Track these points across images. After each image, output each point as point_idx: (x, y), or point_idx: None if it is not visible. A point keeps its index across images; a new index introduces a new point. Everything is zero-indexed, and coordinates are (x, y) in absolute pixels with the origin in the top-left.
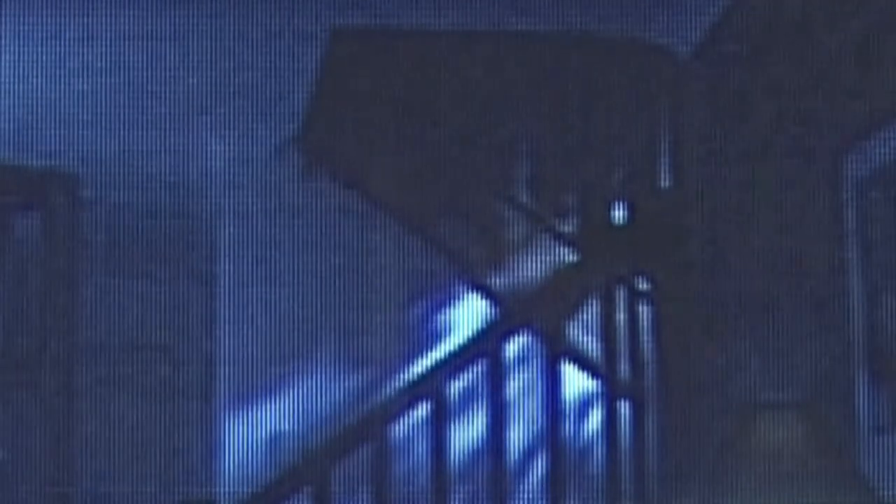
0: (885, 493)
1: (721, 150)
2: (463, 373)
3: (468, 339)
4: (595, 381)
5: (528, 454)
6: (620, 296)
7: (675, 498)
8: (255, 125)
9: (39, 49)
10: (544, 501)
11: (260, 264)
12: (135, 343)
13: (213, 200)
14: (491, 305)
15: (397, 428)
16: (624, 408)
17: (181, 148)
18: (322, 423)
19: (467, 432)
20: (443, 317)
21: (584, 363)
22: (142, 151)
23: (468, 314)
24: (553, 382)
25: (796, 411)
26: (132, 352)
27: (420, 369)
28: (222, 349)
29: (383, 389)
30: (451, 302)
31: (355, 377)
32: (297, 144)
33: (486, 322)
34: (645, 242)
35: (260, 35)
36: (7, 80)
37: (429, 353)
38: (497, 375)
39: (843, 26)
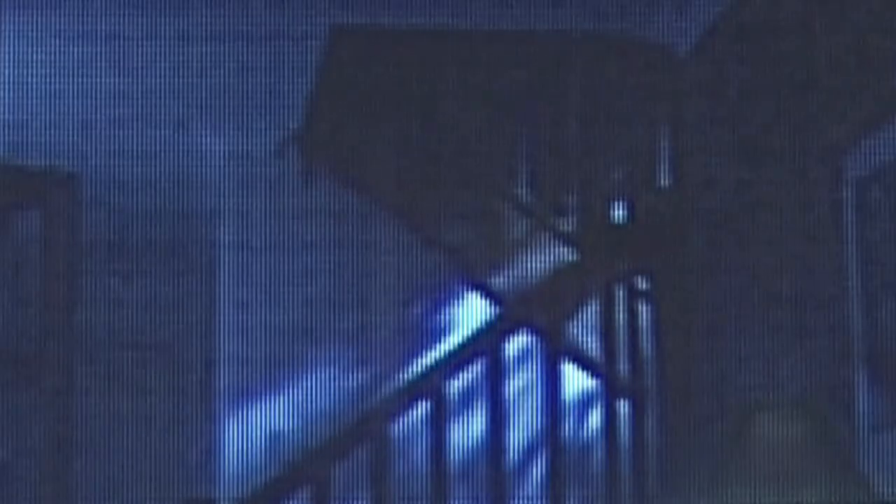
0: (884, 491)
1: (721, 149)
2: (463, 372)
3: (468, 338)
4: (595, 381)
5: (528, 453)
6: (620, 295)
7: (676, 498)
8: (255, 124)
9: (39, 48)
10: (544, 501)
11: (260, 264)
12: (135, 343)
13: (213, 200)
14: (491, 304)
15: (397, 427)
16: (624, 408)
17: (181, 147)
18: (322, 423)
19: (467, 431)
20: (442, 316)
21: (584, 362)
22: (142, 151)
23: (468, 313)
24: (553, 382)
25: (796, 411)
26: (132, 352)
27: (420, 368)
28: (222, 349)
29: (383, 388)
30: (451, 301)
31: (355, 376)
32: (297, 144)
33: (486, 321)
34: (645, 242)
35: (260, 35)
36: (7, 79)
37: (428, 352)
38: (497, 374)
39: (843, 26)
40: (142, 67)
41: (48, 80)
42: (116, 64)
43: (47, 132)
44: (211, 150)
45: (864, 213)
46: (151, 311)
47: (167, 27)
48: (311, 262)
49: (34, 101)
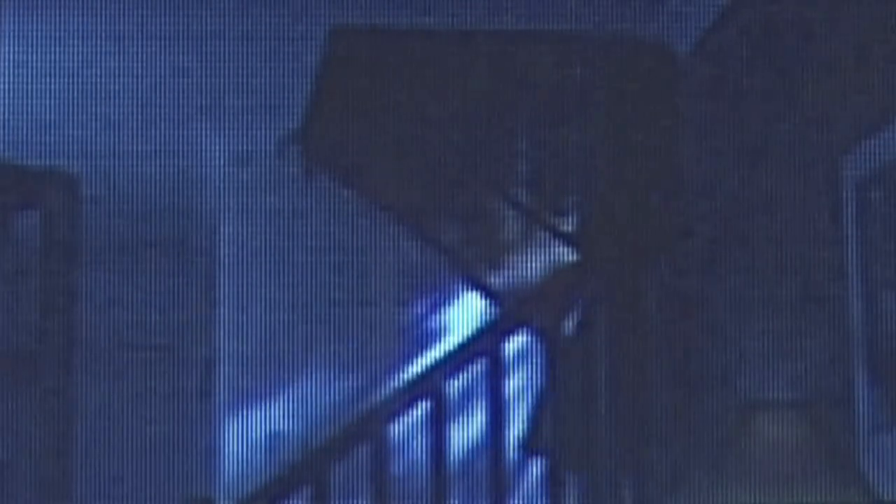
0: (884, 492)
1: (721, 149)
2: (462, 372)
3: (467, 338)
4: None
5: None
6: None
7: (676, 497)
8: (254, 124)
9: (39, 49)
10: (543, 500)
11: (260, 264)
12: (134, 342)
13: (213, 200)
14: (490, 304)
15: (396, 427)
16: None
17: (181, 148)
18: (321, 423)
19: (466, 431)
20: (442, 316)
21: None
22: (142, 151)
23: (467, 313)
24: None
25: (796, 411)
26: (132, 351)
27: (419, 368)
28: (222, 349)
29: (382, 388)
30: (451, 301)
31: (354, 376)
32: (296, 144)
33: (486, 321)
34: (645, 242)
35: (260, 34)
36: (7, 79)
37: (428, 352)
38: (496, 374)
39: (843, 26)
40: (141, 67)
41: (48, 80)
42: (116, 64)
43: (47, 132)
44: (211, 150)
45: (864, 213)
46: (151, 310)
47: (167, 27)
48: (311, 263)
49: (34, 101)
